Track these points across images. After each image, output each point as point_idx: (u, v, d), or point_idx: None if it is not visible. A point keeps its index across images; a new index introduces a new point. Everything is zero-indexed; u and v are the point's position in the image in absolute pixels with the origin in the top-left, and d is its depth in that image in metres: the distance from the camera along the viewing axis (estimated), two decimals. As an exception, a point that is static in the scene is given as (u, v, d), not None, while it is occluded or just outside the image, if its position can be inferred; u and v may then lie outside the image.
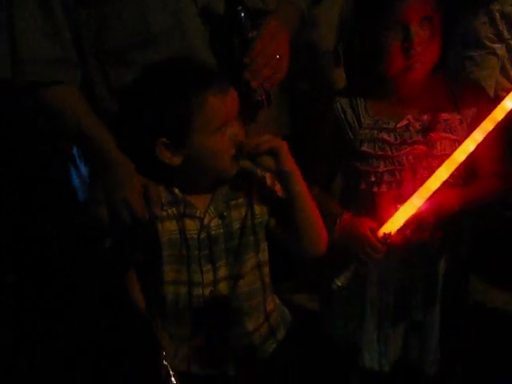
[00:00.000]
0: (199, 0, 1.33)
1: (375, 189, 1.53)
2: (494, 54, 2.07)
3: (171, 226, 1.28)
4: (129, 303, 1.35)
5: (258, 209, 1.34)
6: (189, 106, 1.19)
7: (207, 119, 1.21)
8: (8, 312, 2.32)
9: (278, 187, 1.32)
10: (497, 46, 2.07)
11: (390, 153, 1.51)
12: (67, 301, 2.33)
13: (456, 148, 1.43)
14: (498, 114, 1.40)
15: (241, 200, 1.33)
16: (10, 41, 1.30)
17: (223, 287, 1.35)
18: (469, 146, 1.41)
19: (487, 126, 1.39)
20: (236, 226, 1.33)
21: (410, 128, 1.51)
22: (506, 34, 2.04)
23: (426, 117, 1.51)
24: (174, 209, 1.29)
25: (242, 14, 1.28)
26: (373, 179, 1.53)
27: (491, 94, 1.97)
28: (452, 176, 1.43)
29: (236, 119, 1.25)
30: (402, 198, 1.45)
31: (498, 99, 1.53)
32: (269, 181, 1.34)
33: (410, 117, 1.51)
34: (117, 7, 1.29)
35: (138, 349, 1.36)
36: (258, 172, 1.32)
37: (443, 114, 1.50)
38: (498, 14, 2.01)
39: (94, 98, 1.37)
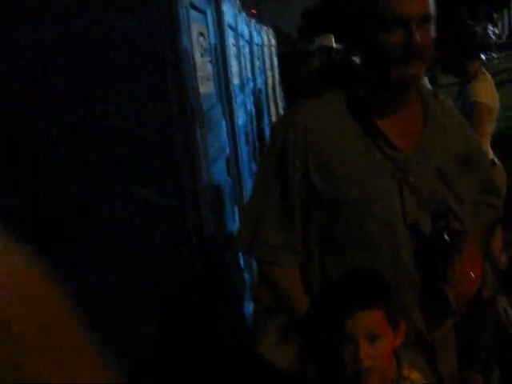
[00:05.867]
0: (408, 216, 1.51)
1: None
2: None
3: None
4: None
5: None
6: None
7: None
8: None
9: None
10: None
11: None
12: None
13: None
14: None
15: None
16: (253, 221, 1.61)
17: None
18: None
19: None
20: None
21: None
22: None
23: None
24: None
25: (446, 237, 1.47)
26: None
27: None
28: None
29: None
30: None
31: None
32: None
33: None
34: (345, 215, 1.52)
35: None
36: None
37: None
38: None
39: (308, 282, 1.62)
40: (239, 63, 4.23)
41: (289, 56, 8.64)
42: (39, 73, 2.01)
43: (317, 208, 1.55)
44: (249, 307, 3.43)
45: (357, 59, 2.29)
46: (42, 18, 2.13)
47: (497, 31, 29.18)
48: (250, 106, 4.54)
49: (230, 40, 3.83)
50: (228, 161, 3.06)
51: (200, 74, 2.55)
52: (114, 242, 2.08)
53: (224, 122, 3.09)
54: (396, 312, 1.45)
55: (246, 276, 3.43)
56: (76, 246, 2.09)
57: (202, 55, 2.66)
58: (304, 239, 1.60)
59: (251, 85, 4.84)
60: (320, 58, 7.87)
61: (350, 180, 1.50)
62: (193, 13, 2.54)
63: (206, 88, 2.67)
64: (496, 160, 2.89)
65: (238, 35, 4.31)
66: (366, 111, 1.53)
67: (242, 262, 3.29)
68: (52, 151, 2.06)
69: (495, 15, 30.15)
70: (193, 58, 2.35)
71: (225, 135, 3.06)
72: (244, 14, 5.18)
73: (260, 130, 4.87)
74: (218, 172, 2.68)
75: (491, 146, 2.91)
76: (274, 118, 6.49)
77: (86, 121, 2.01)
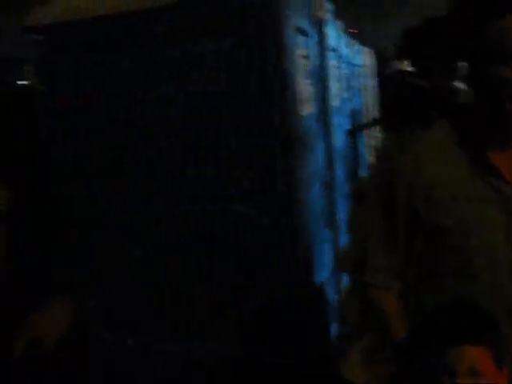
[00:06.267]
0: None
1: None
2: None
3: None
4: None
5: None
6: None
7: None
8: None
9: None
10: None
11: None
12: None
13: None
14: None
15: None
16: (359, 242, 1.66)
17: None
18: None
19: None
20: None
21: None
22: None
23: None
24: None
25: None
26: None
27: None
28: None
29: None
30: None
31: None
32: None
33: None
34: (446, 243, 1.52)
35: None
36: None
37: None
38: None
39: (407, 306, 1.65)
40: (339, 85, 4.22)
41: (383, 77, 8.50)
42: (140, 96, 2.12)
43: (419, 235, 1.56)
44: (333, 327, 3.41)
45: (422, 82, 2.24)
46: (144, 43, 2.24)
47: None
48: (348, 128, 4.52)
49: (331, 62, 3.84)
50: (323, 182, 3.06)
51: (302, 96, 2.58)
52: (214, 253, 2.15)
53: (321, 144, 3.10)
54: (502, 351, 1.39)
55: (333, 296, 3.41)
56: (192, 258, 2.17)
57: (304, 78, 2.69)
58: (405, 265, 1.62)
59: (349, 106, 4.83)
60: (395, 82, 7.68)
61: (454, 209, 1.50)
62: (297, 36, 2.58)
63: (307, 110, 2.70)
64: None
65: (339, 56, 4.31)
66: (475, 143, 1.51)
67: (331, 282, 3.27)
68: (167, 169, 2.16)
69: None
70: (296, 81, 2.39)
71: (322, 156, 3.07)
72: (345, 35, 5.17)
73: (356, 151, 4.83)
74: (314, 193, 2.70)
75: None
76: (370, 141, 6.43)
77: (200, 139, 2.09)
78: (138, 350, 2.37)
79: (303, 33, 2.76)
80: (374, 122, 6.14)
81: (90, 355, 2.50)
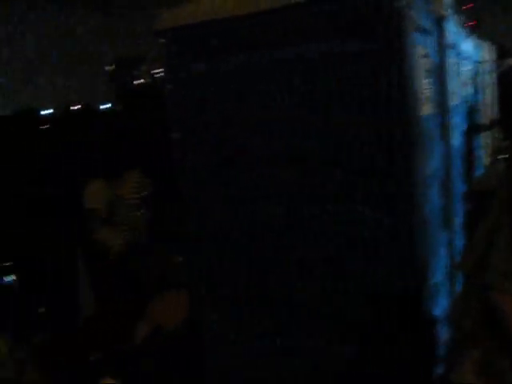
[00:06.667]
0: None
1: None
2: None
3: None
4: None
5: None
6: None
7: None
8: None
9: None
10: None
11: None
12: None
13: None
14: None
15: None
16: (482, 245, 1.73)
17: None
18: None
19: None
20: None
21: None
22: None
23: None
24: None
25: None
26: None
27: None
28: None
29: None
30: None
31: None
32: None
33: None
34: None
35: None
36: None
37: None
38: None
39: None
40: (457, 83, 4.10)
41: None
42: (274, 95, 2.19)
43: None
44: (442, 333, 3.33)
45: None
46: (276, 43, 2.29)
47: None
48: (464, 127, 4.38)
49: (450, 59, 3.74)
50: (441, 182, 3.00)
51: (421, 96, 2.54)
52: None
53: (439, 144, 3.03)
54: None
55: (447, 299, 3.34)
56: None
57: (424, 77, 2.65)
58: None
59: (467, 104, 4.67)
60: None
61: None
62: (418, 35, 2.55)
63: (426, 110, 2.66)
64: None
65: (457, 53, 4.18)
66: None
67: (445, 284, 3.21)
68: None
69: None
70: (416, 81, 2.36)
71: (439, 157, 3.01)
72: (464, 30, 5.00)
73: (472, 151, 4.67)
74: (432, 194, 2.66)
75: None
76: (486, 140, 6.16)
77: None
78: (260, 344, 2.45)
79: (424, 31, 2.72)
80: (492, 124, 5.88)
81: (206, 347, 2.62)
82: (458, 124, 4.04)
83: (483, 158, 5.17)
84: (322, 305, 2.25)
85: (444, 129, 3.26)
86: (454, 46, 3.98)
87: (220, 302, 2.50)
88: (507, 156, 3.12)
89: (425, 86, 2.66)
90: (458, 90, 4.17)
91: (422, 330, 2.52)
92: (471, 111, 4.87)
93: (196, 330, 2.67)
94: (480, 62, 6.28)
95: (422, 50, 2.64)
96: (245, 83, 2.28)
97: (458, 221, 3.21)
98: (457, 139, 3.83)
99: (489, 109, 6.68)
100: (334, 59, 2.18)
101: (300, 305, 2.29)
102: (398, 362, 2.34)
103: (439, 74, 3.24)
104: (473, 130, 4.71)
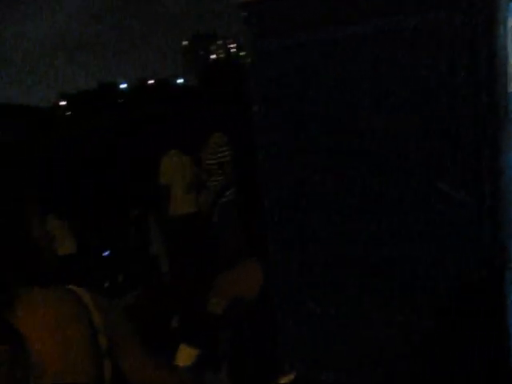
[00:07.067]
0: None
1: None
2: None
3: None
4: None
5: None
6: None
7: None
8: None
9: None
10: None
11: None
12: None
13: None
14: None
15: None
16: None
17: None
18: None
19: None
20: None
21: None
22: None
23: None
24: None
25: None
26: None
27: None
28: None
29: None
30: None
31: None
32: None
33: None
34: None
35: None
36: None
37: None
38: None
39: None
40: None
41: None
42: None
43: None
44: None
45: None
46: (357, 14, 2.25)
47: None
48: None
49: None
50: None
51: (510, 71, 2.43)
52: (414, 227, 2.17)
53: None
54: None
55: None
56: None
57: (512, 50, 2.53)
58: None
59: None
60: None
61: None
62: (509, 4, 2.43)
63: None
64: None
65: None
66: None
67: None
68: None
69: None
70: (506, 55, 2.26)
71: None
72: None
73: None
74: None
75: None
76: None
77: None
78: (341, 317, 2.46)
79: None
80: None
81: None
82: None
83: None
84: (414, 279, 2.23)
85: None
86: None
87: (305, 272, 2.51)
88: None
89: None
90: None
91: (504, 315, 2.46)
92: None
93: (269, 302, 2.69)
94: None
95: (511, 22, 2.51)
96: (330, 59, 2.25)
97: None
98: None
99: None
100: (422, 32, 2.11)
101: (390, 278, 2.27)
102: (479, 346, 2.29)
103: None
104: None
